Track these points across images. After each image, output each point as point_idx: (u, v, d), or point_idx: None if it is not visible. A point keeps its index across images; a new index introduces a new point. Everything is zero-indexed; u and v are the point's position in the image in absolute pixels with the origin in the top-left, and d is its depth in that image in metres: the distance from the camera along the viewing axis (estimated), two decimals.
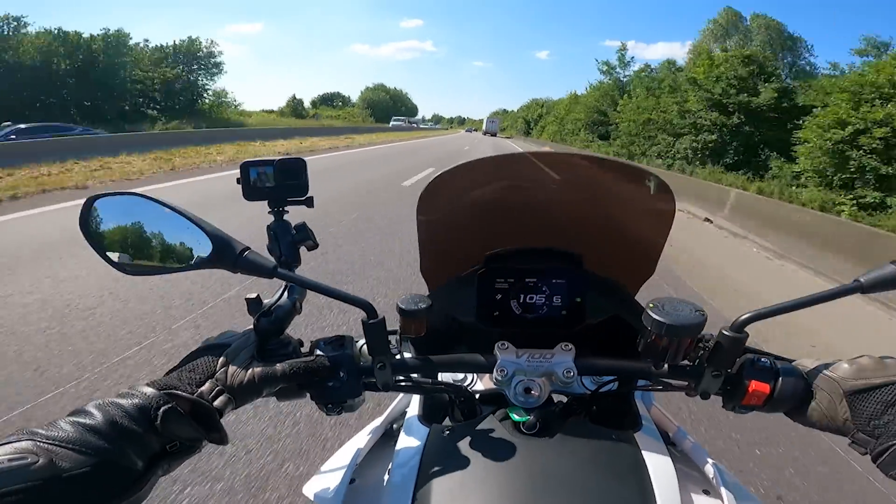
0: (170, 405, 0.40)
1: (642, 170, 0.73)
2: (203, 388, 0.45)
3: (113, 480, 0.36)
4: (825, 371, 0.49)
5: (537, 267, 0.66)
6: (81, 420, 0.37)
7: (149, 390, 0.41)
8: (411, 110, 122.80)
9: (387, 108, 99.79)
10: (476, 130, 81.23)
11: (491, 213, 0.76)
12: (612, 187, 0.76)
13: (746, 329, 0.49)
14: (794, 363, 0.52)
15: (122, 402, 0.39)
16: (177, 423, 0.40)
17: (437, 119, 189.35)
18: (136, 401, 0.39)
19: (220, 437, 0.45)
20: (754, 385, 0.50)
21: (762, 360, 0.51)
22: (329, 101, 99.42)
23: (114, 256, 0.50)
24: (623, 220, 0.77)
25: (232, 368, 0.48)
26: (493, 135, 61.39)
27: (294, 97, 63.68)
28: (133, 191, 0.50)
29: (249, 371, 0.49)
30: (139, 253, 0.50)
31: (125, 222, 0.50)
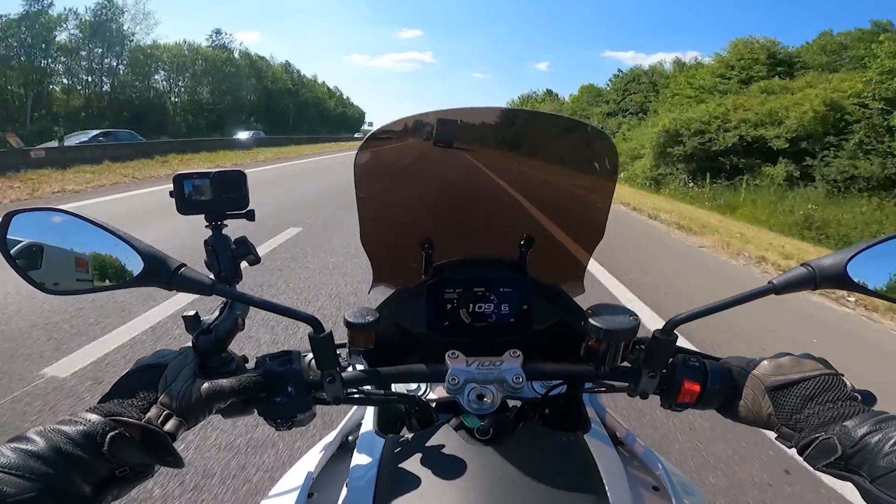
0: (117, 431, 0.39)
1: (578, 121, 0.73)
2: (150, 413, 0.44)
3: None
4: (748, 369, 0.52)
5: (485, 276, 0.67)
6: (23, 446, 0.36)
7: (93, 417, 0.40)
8: (351, 119, 74.61)
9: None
10: None
11: (431, 185, 0.75)
12: (550, 141, 0.75)
13: (676, 331, 0.51)
14: (720, 361, 0.55)
15: (66, 428, 0.38)
16: (125, 449, 0.40)
17: None
18: (81, 427, 0.39)
19: (175, 461, 0.44)
20: (687, 384, 0.52)
21: (692, 360, 0.54)
22: None
23: (36, 276, 0.47)
24: (568, 180, 0.76)
25: (175, 389, 0.47)
26: (449, 145, 48.06)
27: None
28: (57, 206, 0.47)
29: (194, 389, 0.48)
30: (63, 272, 0.48)
31: (48, 239, 0.48)
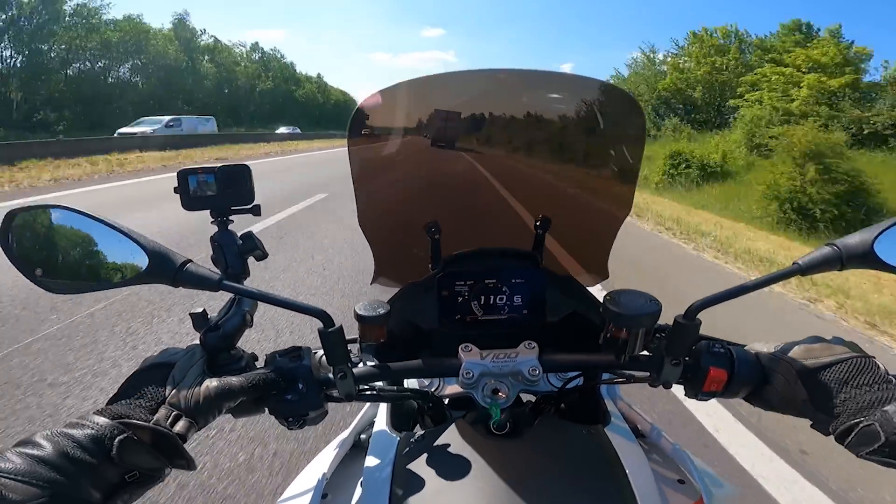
0: (125, 434, 0.38)
1: (600, 82, 0.66)
2: (159, 414, 0.43)
3: None
4: (777, 353, 0.50)
5: (496, 267, 0.66)
6: (30, 451, 0.35)
7: (101, 420, 0.39)
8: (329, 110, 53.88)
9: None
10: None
11: (434, 164, 0.71)
12: (567, 109, 0.69)
13: (699, 316, 0.50)
14: (745, 347, 0.53)
15: (73, 432, 0.37)
16: (135, 453, 0.39)
17: None
18: (89, 431, 0.38)
19: (187, 464, 0.42)
20: (713, 371, 0.50)
21: (716, 346, 0.52)
22: None
23: (39, 274, 0.46)
24: (589, 151, 0.71)
25: (184, 388, 0.46)
26: (450, 145, 38.36)
27: None
28: (59, 204, 0.46)
29: (203, 388, 0.46)
30: (67, 270, 0.47)
31: (51, 237, 0.47)
